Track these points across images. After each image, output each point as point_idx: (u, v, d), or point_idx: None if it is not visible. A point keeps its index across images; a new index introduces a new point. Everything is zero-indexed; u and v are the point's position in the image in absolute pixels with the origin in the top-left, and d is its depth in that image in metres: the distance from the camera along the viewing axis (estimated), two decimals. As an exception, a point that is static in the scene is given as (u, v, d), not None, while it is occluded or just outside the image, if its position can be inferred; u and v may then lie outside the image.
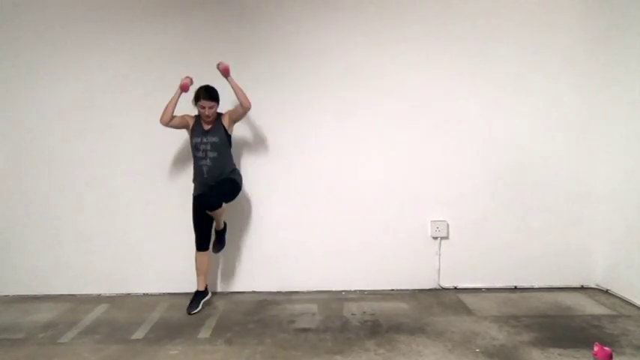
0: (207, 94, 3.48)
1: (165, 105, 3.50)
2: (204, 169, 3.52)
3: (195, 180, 3.64)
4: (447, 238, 4.05)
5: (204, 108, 3.47)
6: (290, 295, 3.98)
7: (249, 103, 3.53)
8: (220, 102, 3.57)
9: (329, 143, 3.99)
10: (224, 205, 3.53)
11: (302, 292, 4.03)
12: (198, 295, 3.66)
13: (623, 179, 3.77)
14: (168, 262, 4.03)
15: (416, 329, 3.28)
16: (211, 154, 3.51)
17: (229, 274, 4.05)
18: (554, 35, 3.94)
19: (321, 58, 3.94)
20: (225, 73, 3.51)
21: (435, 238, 4.06)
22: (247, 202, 4.02)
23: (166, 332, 3.28)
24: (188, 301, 3.63)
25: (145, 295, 4.02)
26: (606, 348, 2.81)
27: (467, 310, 3.62)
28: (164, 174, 4.00)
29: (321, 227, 4.00)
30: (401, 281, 4.06)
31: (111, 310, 3.70)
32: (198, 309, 3.59)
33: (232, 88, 3.51)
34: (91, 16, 3.92)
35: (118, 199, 4.01)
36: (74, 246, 4.02)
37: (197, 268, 3.68)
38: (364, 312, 3.60)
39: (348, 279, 4.05)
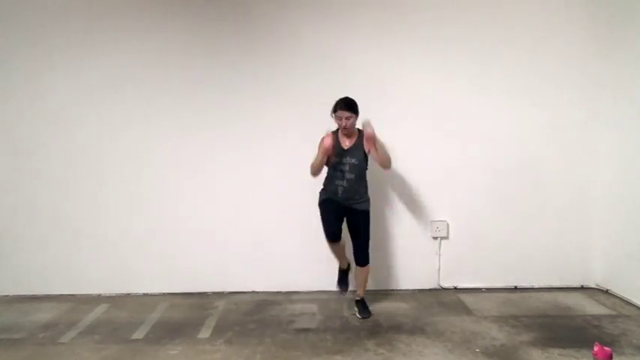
0: (345, 104, 3.33)
1: (312, 165, 3.43)
2: (340, 189, 3.41)
3: (326, 191, 3.51)
4: (447, 238, 4.05)
5: (340, 119, 3.34)
6: (290, 295, 3.98)
7: (389, 169, 3.53)
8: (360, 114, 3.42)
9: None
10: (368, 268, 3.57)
11: (302, 292, 4.02)
12: (346, 272, 3.70)
13: (622, 179, 3.77)
14: (168, 262, 4.03)
15: (416, 329, 3.28)
16: (349, 176, 3.39)
17: (229, 274, 4.05)
18: (554, 36, 3.94)
19: (322, 59, 3.93)
20: (370, 139, 3.37)
21: (435, 238, 4.06)
22: (248, 203, 4.02)
23: (166, 332, 3.28)
24: (188, 302, 3.60)
25: (145, 295, 4.02)
26: (606, 348, 2.82)
27: (467, 310, 3.62)
28: (164, 173, 4.00)
29: (321, 227, 3.99)
30: (401, 281, 4.06)
31: (111, 310, 3.70)
32: (349, 286, 3.69)
33: (377, 150, 3.39)
34: (92, 16, 3.91)
35: (118, 199, 4.01)
36: (74, 246, 4.02)
37: (335, 253, 3.58)
38: (364, 312, 3.60)
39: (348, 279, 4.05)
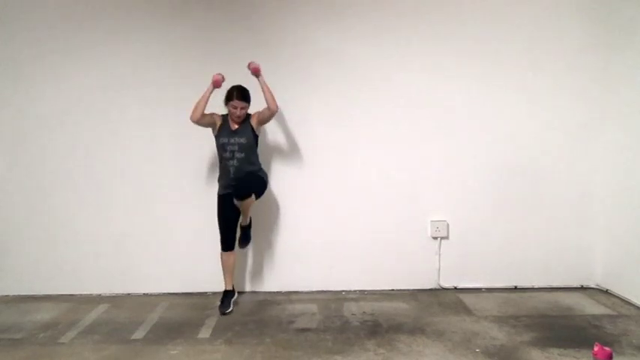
0: (240, 94, 3.46)
1: (196, 102, 3.44)
2: (231, 169, 3.51)
3: (220, 179, 3.64)
4: (447, 238, 4.05)
5: (235, 108, 3.45)
6: (290, 295, 3.98)
7: (277, 107, 3.50)
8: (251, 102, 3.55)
9: (328, 144, 3.98)
10: (253, 197, 3.51)
11: (302, 292, 4.02)
12: (228, 295, 3.67)
13: (623, 179, 3.78)
14: (168, 262, 4.03)
15: (416, 329, 3.28)
16: (238, 155, 3.50)
17: (229, 274, 4.05)
18: (555, 37, 3.94)
19: (325, 59, 3.93)
20: (256, 72, 3.50)
21: (435, 238, 4.06)
22: (247, 202, 4.02)
23: (166, 332, 3.28)
24: (188, 302, 3.62)
25: (145, 295, 4.02)
26: (606, 348, 2.82)
27: (467, 310, 3.62)
28: (164, 173, 4.00)
29: (321, 227, 3.99)
30: (401, 281, 4.06)
31: (111, 310, 3.70)
32: (230, 309, 3.59)
33: (262, 88, 3.48)
34: (93, 15, 3.91)
35: (118, 199, 4.01)
36: (74, 246, 4.02)
37: (223, 268, 3.69)
38: (364, 312, 3.60)
39: (348, 279, 4.05)
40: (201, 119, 3.49)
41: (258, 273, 4.07)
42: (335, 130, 3.98)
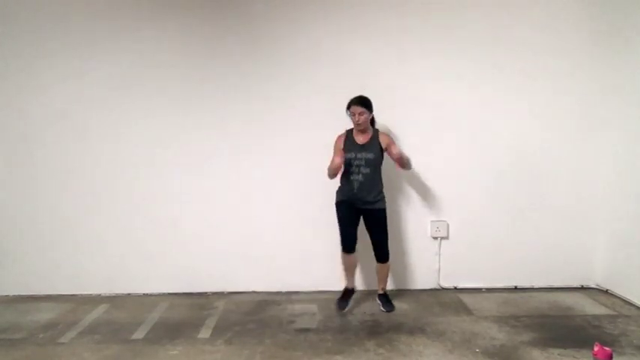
0: (358, 100, 3.46)
1: (329, 168, 3.48)
2: (356, 184, 3.48)
3: (342, 191, 3.59)
4: (447, 238, 4.06)
5: (354, 115, 3.46)
6: (290, 295, 3.98)
7: (408, 170, 3.61)
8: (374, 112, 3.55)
9: (328, 144, 3.97)
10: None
11: (302, 292, 4.03)
12: (349, 293, 3.71)
13: (622, 179, 3.78)
14: (168, 262, 4.03)
15: (416, 329, 3.28)
16: (364, 170, 3.46)
17: (229, 274, 4.05)
18: (555, 36, 3.93)
19: (323, 58, 3.93)
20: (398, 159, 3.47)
21: (435, 238, 4.06)
22: (247, 203, 4.02)
23: (166, 332, 3.28)
24: (188, 302, 3.59)
25: (145, 295, 4.02)
26: (606, 348, 2.82)
27: (467, 310, 3.62)
28: (164, 173, 4.00)
29: (321, 227, 3.99)
30: (401, 281, 4.06)
31: (111, 310, 3.70)
32: (349, 306, 3.64)
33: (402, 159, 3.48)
34: (93, 15, 3.90)
35: (119, 199, 4.01)
36: (74, 246, 4.02)
37: (345, 269, 3.69)
38: (364, 312, 3.60)
39: (348, 279, 4.06)
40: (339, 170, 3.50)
41: (258, 273, 4.06)
42: (334, 131, 3.97)
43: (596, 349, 2.82)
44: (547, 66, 3.94)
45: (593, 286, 4.06)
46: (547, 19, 3.93)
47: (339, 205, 3.60)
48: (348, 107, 3.49)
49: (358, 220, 3.61)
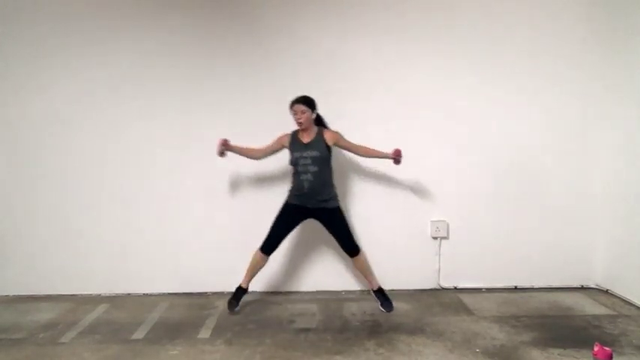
0: (299, 99, 3.47)
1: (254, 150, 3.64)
2: (306, 183, 3.47)
3: (293, 191, 3.59)
4: (446, 238, 4.06)
5: (296, 113, 3.46)
6: (290, 295, 3.98)
7: (365, 157, 3.68)
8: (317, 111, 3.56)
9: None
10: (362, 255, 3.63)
11: (302, 292, 4.03)
12: (241, 292, 3.64)
13: (622, 179, 3.78)
14: (168, 262, 4.03)
15: (416, 329, 3.28)
16: (312, 169, 3.46)
17: (229, 274, 4.04)
18: (555, 37, 3.94)
19: (323, 58, 3.93)
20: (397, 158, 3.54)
21: (435, 238, 4.06)
22: (246, 202, 4.02)
23: (166, 332, 3.28)
24: (188, 302, 3.62)
25: (145, 295, 4.02)
26: (606, 348, 2.82)
27: (467, 310, 3.62)
28: (164, 173, 4.00)
29: (321, 227, 3.99)
30: (401, 281, 4.05)
31: (111, 310, 3.70)
32: (238, 307, 3.59)
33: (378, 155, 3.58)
34: (93, 15, 3.91)
35: (118, 199, 4.01)
36: (74, 246, 4.02)
37: (252, 269, 3.63)
38: (364, 312, 3.60)
39: (348, 279, 4.05)
40: (265, 154, 3.64)
41: (258, 273, 4.05)
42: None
43: (596, 349, 2.82)
44: (547, 66, 3.95)
45: (593, 286, 4.06)
46: (547, 19, 3.93)
47: (287, 206, 3.59)
48: (291, 106, 3.48)
49: (296, 226, 3.62)
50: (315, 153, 3.47)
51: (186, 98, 3.96)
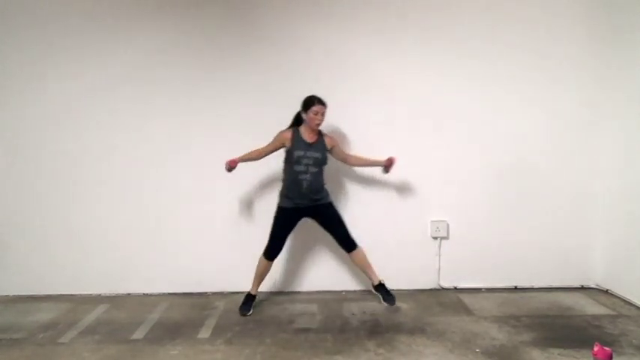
0: (322, 100, 3.46)
1: (258, 151, 3.60)
2: (305, 183, 3.46)
3: (288, 192, 3.55)
4: (447, 238, 4.06)
5: (317, 114, 3.43)
6: (290, 295, 3.98)
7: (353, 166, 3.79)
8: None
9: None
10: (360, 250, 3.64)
11: (302, 292, 4.03)
12: (250, 298, 3.64)
13: (622, 179, 3.78)
14: (168, 262, 4.03)
15: (416, 329, 3.28)
16: (312, 169, 3.47)
17: (229, 274, 4.05)
18: (555, 37, 3.94)
19: (322, 58, 3.93)
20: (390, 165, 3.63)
21: (435, 238, 4.06)
22: (246, 203, 4.02)
23: (166, 332, 3.28)
24: (188, 302, 3.61)
25: (145, 295, 4.02)
26: (606, 348, 2.82)
27: (467, 310, 3.62)
28: (164, 174, 4.00)
29: (320, 227, 3.99)
30: (401, 281, 4.05)
31: (111, 310, 3.70)
32: (250, 312, 3.57)
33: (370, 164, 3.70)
34: (93, 15, 3.91)
35: (118, 200, 4.01)
36: (74, 246, 4.02)
37: (259, 276, 3.64)
38: (364, 312, 3.60)
39: (348, 279, 4.05)
40: (266, 154, 3.60)
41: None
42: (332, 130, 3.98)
43: (596, 349, 2.82)
44: (547, 66, 3.95)
45: (593, 286, 4.06)
46: (547, 18, 3.93)
47: (283, 211, 3.56)
48: (310, 106, 3.44)
49: (294, 227, 3.62)
50: (317, 154, 3.49)
51: (185, 99, 3.96)
